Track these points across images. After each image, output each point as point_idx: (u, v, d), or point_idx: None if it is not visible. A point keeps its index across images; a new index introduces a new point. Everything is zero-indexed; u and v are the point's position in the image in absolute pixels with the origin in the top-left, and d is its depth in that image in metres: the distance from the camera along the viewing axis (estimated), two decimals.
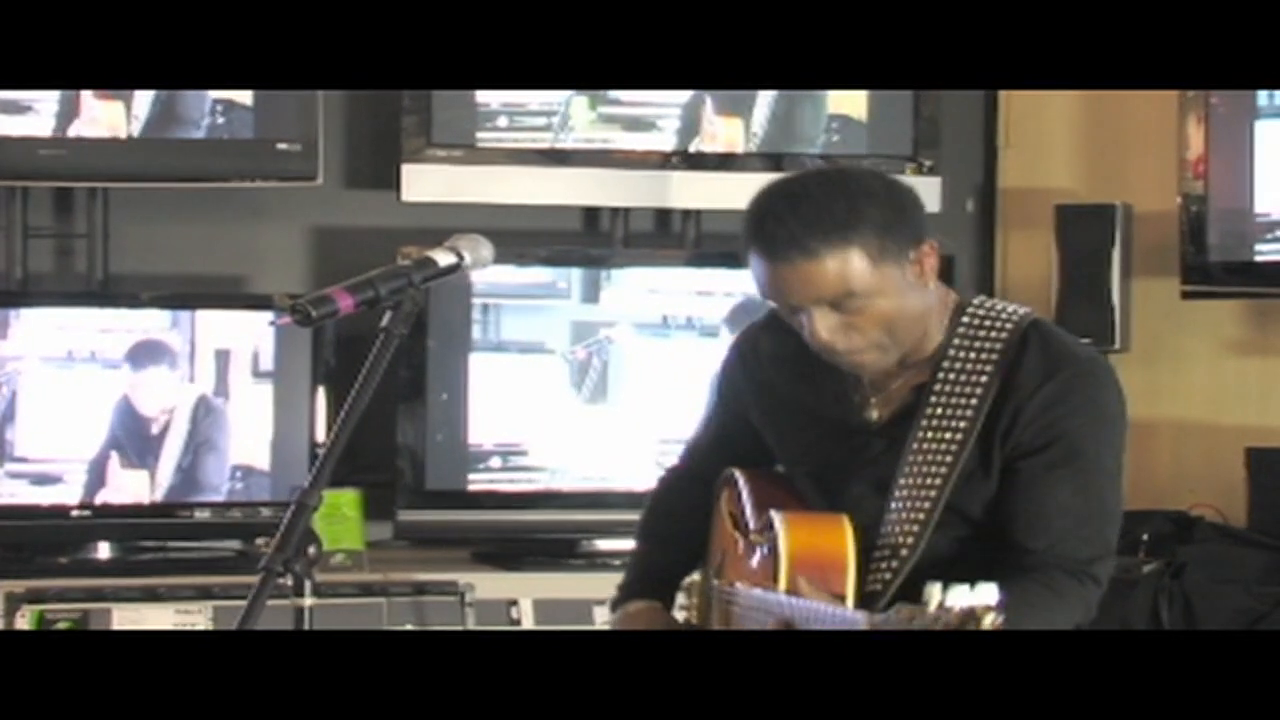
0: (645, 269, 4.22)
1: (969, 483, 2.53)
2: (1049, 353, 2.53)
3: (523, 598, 3.91)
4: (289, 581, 2.35)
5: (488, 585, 3.92)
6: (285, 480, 3.99)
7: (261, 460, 4.04)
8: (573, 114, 4.26)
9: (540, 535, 4.18)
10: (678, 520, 2.83)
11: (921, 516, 2.52)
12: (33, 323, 3.99)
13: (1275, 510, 3.94)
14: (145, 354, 4.00)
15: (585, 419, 4.16)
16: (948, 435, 2.52)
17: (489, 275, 3.97)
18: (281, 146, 4.08)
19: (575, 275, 4.16)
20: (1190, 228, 4.12)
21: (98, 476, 3.97)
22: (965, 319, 2.57)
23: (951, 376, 2.54)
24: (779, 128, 4.32)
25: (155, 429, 4.00)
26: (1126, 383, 4.30)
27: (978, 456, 2.53)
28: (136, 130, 4.04)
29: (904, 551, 2.51)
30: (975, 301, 2.59)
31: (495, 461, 4.14)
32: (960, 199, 4.60)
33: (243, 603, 2.30)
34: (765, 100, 4.31)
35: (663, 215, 4.52)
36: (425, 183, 4.20)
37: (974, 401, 2.52)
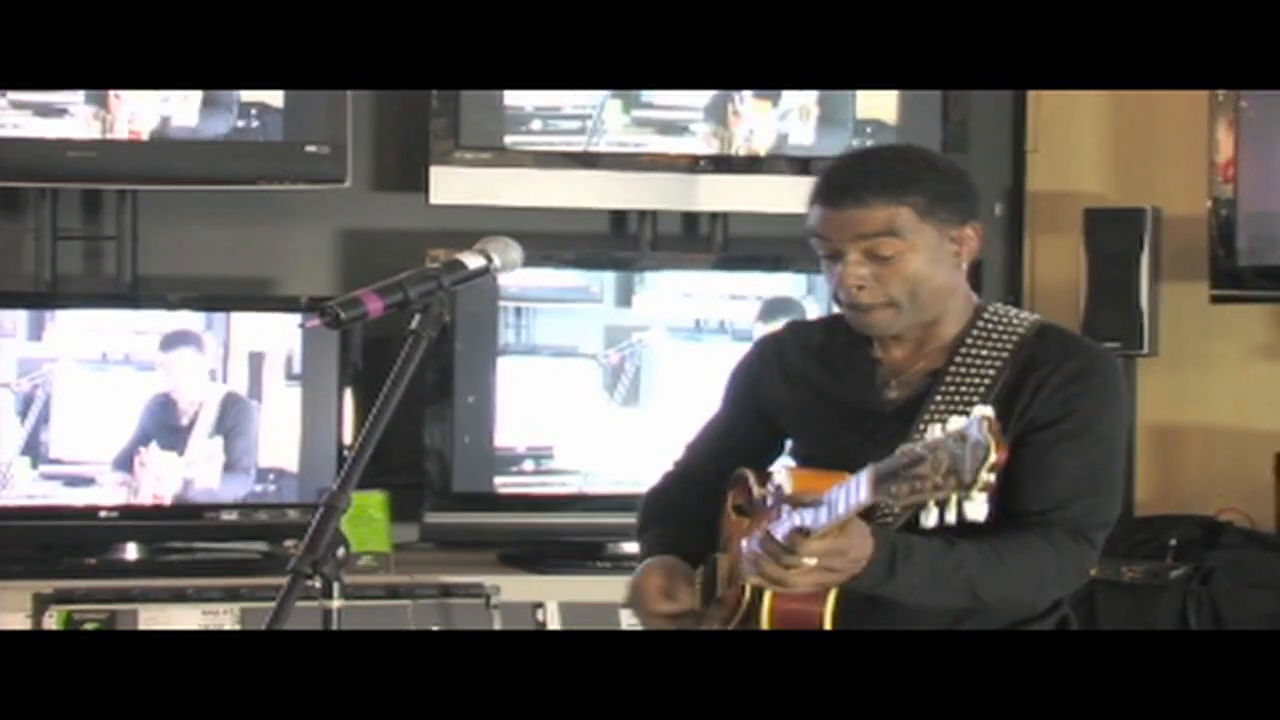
0: (674, 272, 4.22)
1: None
2: (1065, 341, 2.71)
3: (549, 600, 3.91)
4: (317, 583, 2.35)
5: (514, 588, 3.92)
6: (313, 482, 4.00)
7: (289, 462, 4.05)
8: (606, 117, 4.26)
9: (567, 538, 4.18)
10: (678, 509, 2.88)
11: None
12: (66, 325, 4.00)
13: None
14: (176, 339, 4.02)
15: (618, 422, 4.16)
16: (958, 409, 2.60)
17: (522, 279, 3.99)
18: (310, 149, 4.09)
19: (608, 279, 4.17)
20: (1219, 231, 4.11)
21: (126, 464, 3.98)
22: (984, 318, 2.70)
23: (966, 362, 2.67)
24: (808, 129, 4.32)
25: (185, 420, 4.01)
26: (1154, 387, 4.34)
27: None
28: (165, 132, 4.05)
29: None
30: (993, 306, 2.73)
31: (524, 465, 4.14)
32: (989, 202, 4.59)
33: (269, 604, 2.30)
34: (794, 101, 4.31)
35: (690, 218, 4.52)
36: (453, 185, 4.20)
37: (986, 381, 2.64)
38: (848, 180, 2.65)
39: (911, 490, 2.27)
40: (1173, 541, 3.95)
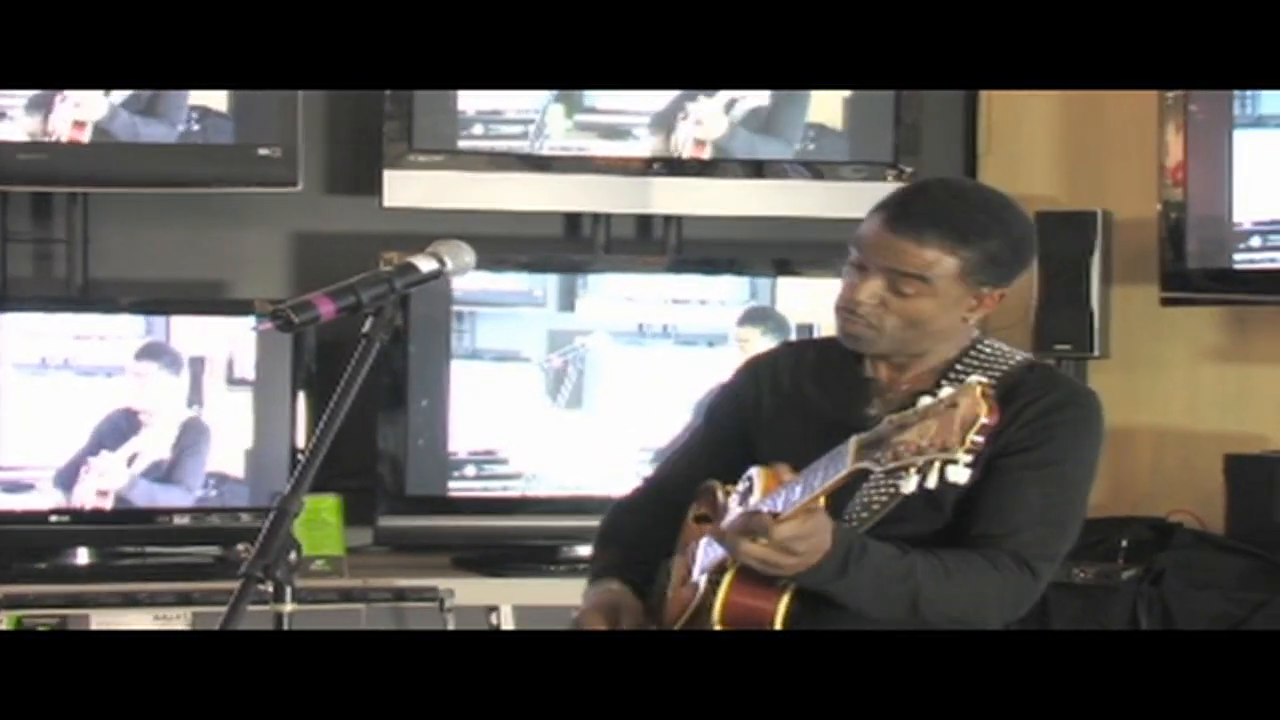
0: (623, 275, 4.22)
1: None
2: (1052, 377, 2.75)
3: (503, 603, 3.91)
4: (269, 588, 2.35)
5: (468, 591, 3.92)
6: (265, 486, 3.99)
7: (241, 466, 4.03)
8: (549, 122, 4.26)
9: (521, 541, 4.18)
10: (642, 532, 2.88)
11: (894, 489, 2.58)
12: (8, 329, 3.98)
13: (1253, 517, 3.95)
14: (153, 351, 4.00)
15: (562, 426, 4.16)
16: None
17: (466, 283, 3.99)
18: (262, 152, 4.07)
19: (551, 284, 4.17)
20: (1169, 235, 4.13)
21: (74, 469, 3.96)
22: (978, 348, 2.73)
23: (957, 384, 2.63)
24: (759, 133, 4.33)
25: (142, 432, 3.99)
26: (1105, 389, 4.30)
27: None
28: (116, 135, 4.03)
29: (875, 506, 2.61)
30: (990, 340, 2.76)
31: (473, 468, 4.14)
32: None
33: (222, 608, 2.30)
34: (745, 104, 4.31)
35: (644, 221, 4.53)
36: (406, 188, 4.19)
37: None
38: (918, 208, 2.65)
39: (895, 455, 2.28)
40: (1124, 543, 3.97)
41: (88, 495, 3.98)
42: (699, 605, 2.62)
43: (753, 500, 2.56)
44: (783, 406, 2.80)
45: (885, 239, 2.64)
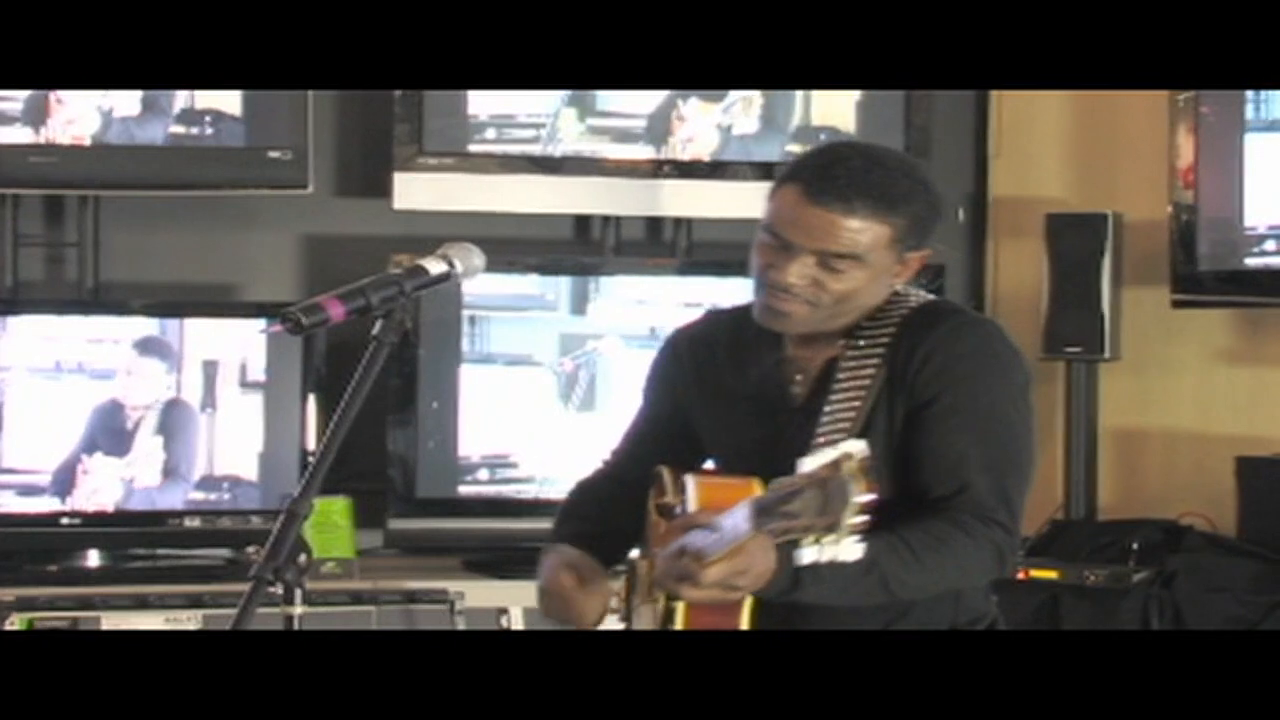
0: (635, 278, 4.22)
1: (878, 439, 2.56)
2: (940, 310, 2.65)
3: (513, 606, 3.91)
4: (279, 590, 2.35)
5: (478, 593, 3.92)
6: (276, 488, 3.99)
7: (252, 469, 4.04)
8: (561, 125, 4.26)
9: (530, 544, 4.17)
10: (599, 512, 2.86)
11: None
12: (21, 332, 3.98)
13: (1265, 519, 3.95)
14: (150, 346, 4.00)
15: (574, 430, 4.16)
16: (854, 394, 2.59)
17: (477, 286, 3.99)
18: (273, 154, 4.08)
19: (563, 287, 4.17)
20: (1180, 237, 4.13)
21: (71, 470, 3.96)
22: (885, 303, 2.66)
23: (860, 346, 2.63)
24: (764, 134, 4.33)
25: (130, 425, 4.00)
26: (1116, 391, 4.36)
27: (884, 412, 2.59)
28: (127, 138, 4.04)
29: None
30: (896, 291, 2.67)
31: (485, 471, 4.14)
32: (951, 208, 4.60)
33: (233, 611, 2.30)
34: (749, 104, 4.31)
35: (654, 223, 4.53)
36: (417, 191, 4.20)
37: (874, 364, 2.60)
38: (846, 182, 2.53)
39: (786, 528, 2.22)
40: (1135, 545, 3.96)
41: (92, 499, 3.98)
42: (663, 623, 2.61)
43: (687, 536, 2.50)
44: (707, 384, 2.76)
45: (811, 215, 2.54)
